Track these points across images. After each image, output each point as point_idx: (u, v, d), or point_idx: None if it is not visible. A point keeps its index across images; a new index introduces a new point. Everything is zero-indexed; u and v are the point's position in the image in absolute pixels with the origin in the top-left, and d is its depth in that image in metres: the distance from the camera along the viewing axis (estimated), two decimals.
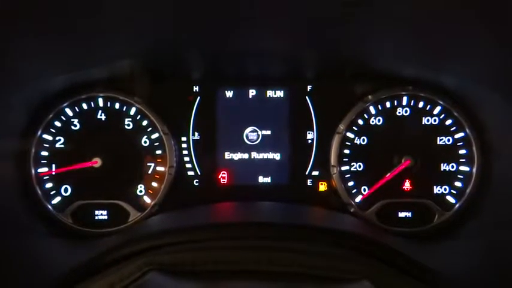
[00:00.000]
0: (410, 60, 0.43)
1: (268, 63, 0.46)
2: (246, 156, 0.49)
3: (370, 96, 0.47)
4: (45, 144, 0.46)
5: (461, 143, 0.47)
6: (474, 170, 0.47)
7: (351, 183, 0.48)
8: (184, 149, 0.47)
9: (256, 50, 0.43)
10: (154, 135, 0.46)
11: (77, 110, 0.46)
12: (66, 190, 0.47)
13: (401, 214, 0.47)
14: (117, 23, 0.35)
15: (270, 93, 0.48)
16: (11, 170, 0.45)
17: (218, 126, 0.48)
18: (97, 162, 0.45)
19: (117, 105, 0.47)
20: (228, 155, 0.49)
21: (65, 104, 0.46)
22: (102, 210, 0.47)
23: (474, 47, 0.38)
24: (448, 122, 0.47)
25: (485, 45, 0.38)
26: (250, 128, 0.48)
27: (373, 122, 0.48)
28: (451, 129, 0.47)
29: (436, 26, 0.36)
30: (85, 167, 0.46)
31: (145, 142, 0.46)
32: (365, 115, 0.48)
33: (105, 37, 0.38)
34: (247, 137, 0.49)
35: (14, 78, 0.40)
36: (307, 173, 0.49)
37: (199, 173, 0.48)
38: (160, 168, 0.47)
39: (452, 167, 0.48)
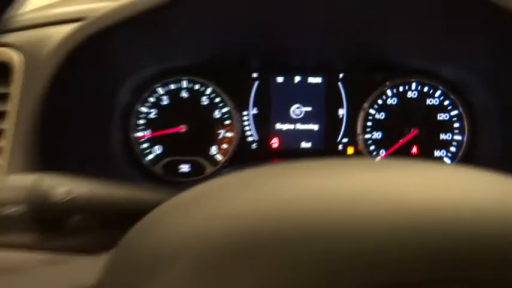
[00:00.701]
0: (419, 55, 0.57)
1: (310, 57, 0.60)
2: (291, 127, 0.63)
3: (387, 82, 0.61)
4: (142, 115, 0.60)
5: (455, 119, 0.61)
6: (465, 138, 0.61)
7: (372, 148, 0.62)
8: (246, 120, 0.61)
9: (302, 48, 0.57)
10: (225, 109, 0.61)
11: (166, 89, 0.61)
12: (158, 149, 0.61)
13: None
14: (194, 29, 0.49)
15: (310, 79, 0.62)
16: (119, 135, 0.59)
17: (271, 103, 0.62)
18: (182, 128, 0.60)
19: (196, 86, 0.61)
20: (278, 126, 0.62)
21: (157, 85, 0.60)
22: (185, 164, 0.62)
23: (469, 48, 0.52)
24: (446, 102, 0.61)
25: (479, 48, 0.51)
26: (295, 105, 0.62)
27: (389, 101, 0.61)
28: (448, 108, 0.61)
29: (442, 29, 0.49)
30: (173, 132, 0.60)
31: (217, 114, 0.61)
32: (383, 96, 0.61)
33: (185, 40, 0.52)
34: (293, 112, 0.63)
35: (123, 70, 0.55)
36: (338, 140, 0.62)
37: (256, 139, 0.62)
38: (228, 134, 0.61)
39: (449, 136, 0.61)
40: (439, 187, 0.16)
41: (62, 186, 0.27)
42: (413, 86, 0.61)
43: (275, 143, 0.63)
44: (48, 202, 0.26)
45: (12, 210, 0.25)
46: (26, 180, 0.27)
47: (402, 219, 0.15)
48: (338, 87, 0.62)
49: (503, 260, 0.14)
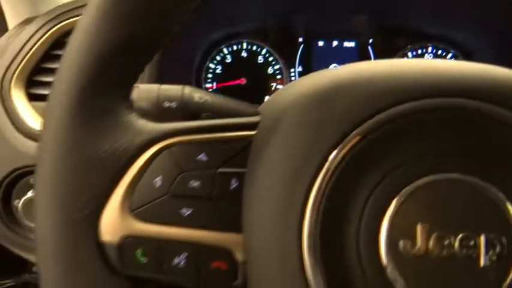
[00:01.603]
0: (436, 22, 0.71)
1: (345, 25, 0.74)
2: None
3: (408, 46, 0.73)
4: (210, 70, 0.76)
5: None
6: None
7: None
8: (293, 76, 0.76)
9: (339, 17, 0.71)
10: (276, 66, 0.75)
11: (229, 49, 0.76)
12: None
13: None
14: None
15: (345, 43, 0.76)
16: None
17: (313, 63, 0.77)
18: (243, 81, 0.75)
19: (254, 47, 0.75)
20: None
21: (222, 46, 0.75)
22: None
23: (479, 14, 0.65)
24: None
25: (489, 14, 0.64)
26: (333, 65, 0.76)
27: None
28: None
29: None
30: (235, 83, 0.75)
31: (270, 70, 0.75)
32: (405, 58, 0.75)
33: (246, 9, 0.67)
34: None
35: (198, 35, 0.70)
36: None
37: None
38: (279, 87, 0.76)
39: None
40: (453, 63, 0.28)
41: (199, 93, 0.42)
42: (430, 49, 0.74)
43: None
44: (191, 101, 0.41)
45: (169, 104, 0.40)
46: (178, 88, 0.42)
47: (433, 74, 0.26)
48: (368, 50, 0.76)
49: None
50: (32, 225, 0.51)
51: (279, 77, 0.75)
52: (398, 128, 0.26)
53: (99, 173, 0.27)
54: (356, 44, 0.76)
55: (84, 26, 0.27)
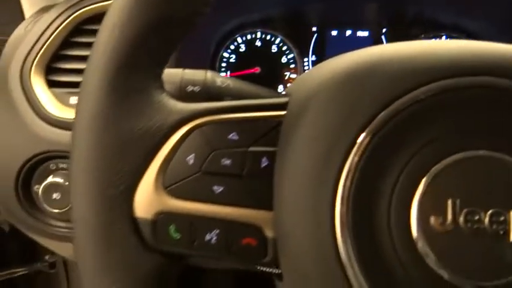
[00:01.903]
0: (449, 11, 0.71)
1: (359, 14, 0.74)
2: None
3: (422, 35, 0.73)
4: (224, 59, 0.76)
5: None
6: None
7: None
8: (306, 65, 0.77)
9: (353, 7, 0.72)
10: (290, 55, 0.76)
11: (243, 39, 0.76)
12: None
13: None
14: None
15: (359, 33, 0.76)
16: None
17: (326, 52, 0.77)
18: (257, 70, 0.75)
19: (268, 37, 0.76)
20: None
21: (237, 35, 0.76)
22: None
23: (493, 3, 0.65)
24: None
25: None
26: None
27: None
28: None
29: None
30: (249, 72, 0.76)
31: (284, 59, 0.76)
32: None
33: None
34: None
35: (213, 25, 0.70)
36: None
37: None
38: (293, 76, 0.76)
39: None
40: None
41: (221, 78, 0.43)
42: (443, 38, 0.74)
43: None
44: (214, 85, 0.42)
45: (193, 88, 0.41)
46: (201, 72, 0.42)
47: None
48: (381, 39, 0.76)
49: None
50: (52, 210, 0.52)
51: (292, 66, 0.76)
52: (428, 106, 0.26)
53: (133, 150, 0.28)
54: (370, 33, 0.76)
55: (117, 8, 0.28)
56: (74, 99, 0.55)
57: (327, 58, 0.76)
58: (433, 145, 0.26)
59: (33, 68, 0.54)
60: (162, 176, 0.28)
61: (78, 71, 0.55)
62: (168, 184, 0.29)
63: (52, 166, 0.54)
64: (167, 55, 0.30)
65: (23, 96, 0.54)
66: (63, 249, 0.64)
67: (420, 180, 0.25)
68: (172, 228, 0.28)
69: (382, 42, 0.76)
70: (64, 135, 0.53)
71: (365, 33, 0.76)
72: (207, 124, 0.29)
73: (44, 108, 0.53)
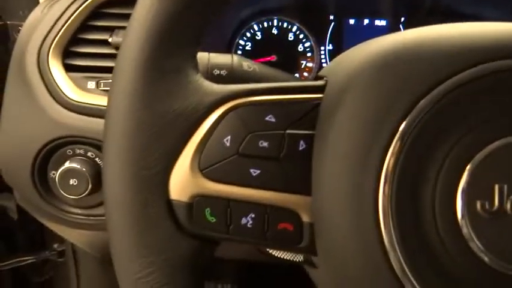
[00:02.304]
0: (469, 0, 0.70)
1: (377, 3, 0.73)
2: None
3: None
4: (240, 47, 0.75)
5: None
6: None
7: None
8: (323, 54, 0.76)
9: None
10: (307, 44, 0.75)
11: (260, 26, 0.75)
12: None
13: None
14: None
15: (377, 22, 0.75)
16: None
17: (343, 41, 0.76)
18: (273, 58, 0.74)
19: (285, 24, 0.75)
20: None
21: (253, 23, 0.75)
22: None
23: None
24: None
25: None
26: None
27: None
28: None
29: None
30: (265, 60, 0.75)
31: (301, 48, 0.75)
32: None
33: None
34: None
35: (226, 12, 0.69)
36: None
37: None
38: (309, 64, 0.75)
39: None
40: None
41: (247, 62, 0.42)
42: None
43: None
44: (240, 69, 0.41)
45: (219, 72, 0.40)
46: (227, 56, 0.41)
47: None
48: (400, 29, 0.75)
49: None
50: (68, 196, 0.51)
51: (309, 54, 0.75)
52: (472, 90, 0.25)
53: (169, 131, 0.28)
54: (387, 23, 0.75)
55: None
56: (91, 84, 0.54)
57: (344, 47, 0.76)
58: (478, 130, 0.25)
59: (50, 51, 0.53)
60: (197, 158, 0.28)
61: (96, 55, 0.55)
62: (204, 166, 0.28)
63: (69, 152, 0.53)
64: (203, 33, 0.29)
65: (40, 80, 0.53)
66: (77, 237, 0.64)
67: (466, 165, 0.25)
68: (208, 211, 0.28)
69: (399, 29, 0.75)
70: (81, 120, 0.53)
71: (383, 23, 0.75)
72: (243, 106, 0.29)
73: (61, 92, 0.53)
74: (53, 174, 0.54)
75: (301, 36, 0.74)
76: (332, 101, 0.28)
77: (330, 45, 0.75)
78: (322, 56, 0.75)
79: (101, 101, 0.53)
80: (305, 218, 0.28)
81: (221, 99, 0.29)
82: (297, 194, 0.28)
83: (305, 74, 0.75)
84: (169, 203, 0.28)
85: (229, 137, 0.28)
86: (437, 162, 0.25)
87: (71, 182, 0.52)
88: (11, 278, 1.00)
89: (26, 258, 0.94)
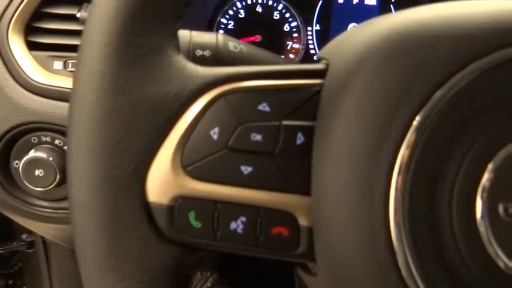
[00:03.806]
0: None
1: None
2: None
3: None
4: (222, 26, 0.70)
5: None
6: None
7: None
8: (310, 34, 0.72)
9: None
10: (293, 24, 0.71)
11: (243, 3, 0.70)
12: None
13: None
14: None
15: (367, 1, 0.72)
16: None
17: (332, 21, 0.72)
18: (258, 37, 0.70)
19: (270, 2, 0.70)
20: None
21: (236, 0, 0.70)
22: None
23: None
24: None
25: None
26: (352, 24, 0.72)
27: None
28: None
29: None
30: (249, 40, 0.70)
31: (287, 28, 0.71)
32: None
33: None
34: (350, 29, 0.73)
35: None
36: None
37: (318, 51, 0.73)
38: (295, 46, 0.71)
39: None
40: None
41: (233, 42, 0.38)
42: None
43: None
44: (226, 50, 0.37)
45: (203, 53, 0.36)
46: (211, 35, 0.37)
47: None
48: (390, 8, 0.71)
49: None
50: (34, 188, 0.46)
51: (295, 35, 0.71)
52: (496, 77, 0.22)
53: (145, 122, 0.23)
54: (378, 2, 0.71)
55: None
56: (58, 64, 0.49)
57: (333, 28, 0.72)
58: (502, 124, 0.22)
59: (10, 27, 0.48)
60: (180, 153, 0.24)
61: (63, 32, 0.49)
62: (187, 163, 0.24)
63: (34, 139, 0.48)
64: (185, 4, 0.25)
65: None
66: (46, 231, 0.59)
67: (488, 163, 0.22)
68: (192, 215, 0.24)
69: (390, 11, 0.71)
70: (47, 105, 0.48)
71: (373, 2, 0.71)
72: (234, 92, 0.25)
73: (24, 73, 0.47)
74: (16, 164, 0.49)
75: (288, 15, 0.70)
76: (336, 87, 0.25)
77: (318, 25, 0.71)
78: (310, 37, 0.71)
79: (69, 83, 0.48)
80: (302, 221, 0.25)
81: (207, 84, 0.25)
82: (293, 193, 0.25)
83: (291, 55, 0.71)
84: (146, 206, 0.24)
85: (216, 129, 0.24)
86: (456, 159, 0.22)
87: (37, 172, 0.47)
88: None
89: None
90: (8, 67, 0.47)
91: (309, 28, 0.71)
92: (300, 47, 0.71)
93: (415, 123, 0.22)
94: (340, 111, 0.24)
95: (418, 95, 0.22)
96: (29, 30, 0.49)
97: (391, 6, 0.71)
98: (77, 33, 0.49)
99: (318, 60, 0.29)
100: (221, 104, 0.25)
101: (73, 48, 0.49)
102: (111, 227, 0.23)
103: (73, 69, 0.49)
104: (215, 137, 0.24)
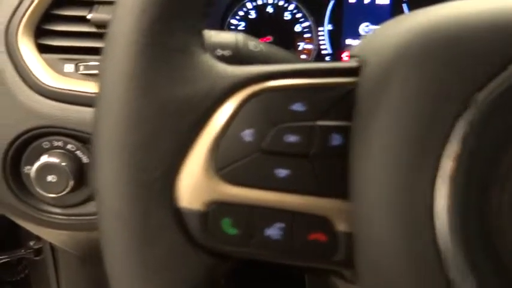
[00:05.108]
0: None
1: None
2: None
3: None
4: (232, 27, 0.69)
5: None
6: None
7: None
8: (322, 35, 0.71)
9: None
10: (305, 24, 0.70)
11: (254, 4, 0.69)
12: None
13: None
14: None
15: (378, 1, 0.71)
16: None
17: (344, 21, 0.71)
18: (270, 38, 0.69)
19: (281, 2, 0.69)
20: (348, 41, 0.72)
21: (246, 0, 0.69)
22: None
23: None
24: None
25: None
26: (365, 24, 0.71)
27: None
28: None
29: None
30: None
31: (298, 28, 0.70)
32: None
33: None
34: (362, 29, 0.72)
35: None
36: None
37: (330, 52, 0.71)
38: (307, 46, 0.70)
39: None
40: None
41: (253, 42, 0.37)
42: None
43: (347, 56, 0.72)
44: (246, 50, 0.36)
45: (223, 52, 0.35)
46: (231, 35, 0.36)
47: None
48: (402, 8, 0.70)
49: None
50: (46, 195, 0.45)
51: (307, 35, 0.70)
52: None
53: (174, 123, 0.22)
54: (390, 1, 0.70)
55: None
56: (69, 67, 0.48)
57: (345, 27, 0.71)
58: None
59: (20, 29, 0.47)
60: (212, 156, 0.23)
61: (74, 34, 0.48)
62: (220, 166, 0.23)
63: (45, 144, 0.47)
64: (209, 4, 0.24)
65: (9, 62, 0.46)
66: (57, 237, 0.58)
67: None
68: (227, 221, 0.23)
69: (402, 10, 0.70)
70: (59, 108, 0.46)
71: (385, 1, 0.70)
72: (266, 91, 0.24)
73: (34, 76, 0.46)
74: (28, 169, 0.48)
75: (299, 15, 0.69)
76: (373, 85, 0.23)
77: (330, 25, 0.70)
78: (322, 37, 0.70)
79: (81, 86, 0.47)
80: (340, 227, 0.23)
81: (239, 83, 0.23)
82: (329, 198, 0.23)
83: (303, 56, 0.70)
84: (177, 212, 0.22)
85: (249, 130, 0.23)
86: (507, 163, 0.21)
87: (49, 178, 0.46)
88: None
89: (0, 257, 0.88)
90: (18, 70, 0.46)
91: (320, 28, 0.70)
92: (312, 48, 0.70)
93: (458, 126, 0.21)
94: (378, 111, 0.22)
95: (464, 94, 0.21)
96: (39, 33, 0.48)
97: (403, 5, 0.70)
98: (88, 35, 0.48)
99: (352, 57, 0.27)
100: (253, 104, 0.24)
101: (84, 50, 0.48)
102: (140, 235, 0.22)
103: (85, 72, 0.48)
104: (248, 138, 0.23)
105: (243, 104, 0.23)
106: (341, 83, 0.25)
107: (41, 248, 0.86)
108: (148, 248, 0.22)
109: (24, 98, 0.46)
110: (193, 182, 0.22)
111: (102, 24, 0.48)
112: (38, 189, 0.46)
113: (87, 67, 0.47)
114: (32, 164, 0.46)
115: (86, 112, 0.46)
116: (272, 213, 0.23)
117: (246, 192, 0.23)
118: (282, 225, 0.23)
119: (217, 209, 0.23)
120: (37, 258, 0.87)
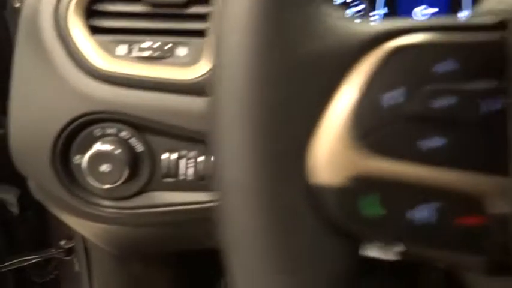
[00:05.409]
0: None
1: None
2: None
3: None
4: None
5: None
6: None
7: None
8: (376, 19, 0.67)
9: None
10: (359, 7, 0.66)
11: None
12: None
13: None
14: None
15: None
16: None
17: (400, 4, 0.67)
18: None
19: None
20: None
21: None
22: None
23: None
24: None
25: None
26: (422, 6, 0.67)
27: None
28: None
29: None
30: None
31: (351, 12, 0.66)
32: None
33: None
34: (420, 12, 0.68)
35: None
36: None
37: None
38: None
39: None
40: None
41: None
42: None
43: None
44: None
45: None
46: None
47: None
48: None
49: None
50: (100, 186, 0.42)
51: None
52: None
53: (306, 84, 0.18)
54: None
55: None
56: (121, 49, 0.45)
57: (400, 12, 0.67)
58: None
59: (70, 9, 0.43)
60: (350, 122, 0.19)
61: (126, 15, 0.45)
62: (361, 134, 0.19)
63: (97, 132, 0.44)
64: None
65: (59, 44, 0.43)
66: (97, 232, 0.54)
67: None
68: (374, 199, 0.19)
69: None
70: (112, 93, 0.43)
71: None
72: (410, 48, 0.20)
73: (85, 59, 0.43)
74: (77, 159, 0.44)
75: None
76: None
77: (385, 8, 0.66)
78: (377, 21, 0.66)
79: (135, 69, 0.44)
80: (496, 208, 0.20)
81: (378, 39, 0.20)
82: (488, 174, 0.19)
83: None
84: (312, 188, 0.19)
85: (391, 93, 0.19)
86: None
87: (103, 168, 0.42)
88: (13, 278, 0.90)
89: (30, 257, 0.85)
90: (69, 53, 0.43)
91: (375, 12, 0.66)
92: None
93: None
94: None
95: None
96: (90, 14, 0.45)
97: None
98: (141, 16, 0.45)
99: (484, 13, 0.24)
100: (395, 63, 0.20)
101: (137, 31, 0.45)
102: (269, 213, 0.18)
103: (139, 55, 0.44)
104: (390, 102, 0.19)
105: (382, 62, 0.20)
106: (488, 39, 0.21)
107: (71, 247, 0.83)
108: (278, 229, 0.18)
109: (75, 82, 0.43)
110: (329, 153, 0.19)
111: (156, 4, 0.44)
112: (89, 180, 0.43)
113: (141, 49, 0.44)
114: (83, 153, 0.43)
115: (141, 97, 0.43)
116: (421, 192, 0.19)
117: (391, 165, 0.19)
118: (435, 205, 0.19)
119: (363, 184, 0.19)
120: (67, 258, 0.85)
